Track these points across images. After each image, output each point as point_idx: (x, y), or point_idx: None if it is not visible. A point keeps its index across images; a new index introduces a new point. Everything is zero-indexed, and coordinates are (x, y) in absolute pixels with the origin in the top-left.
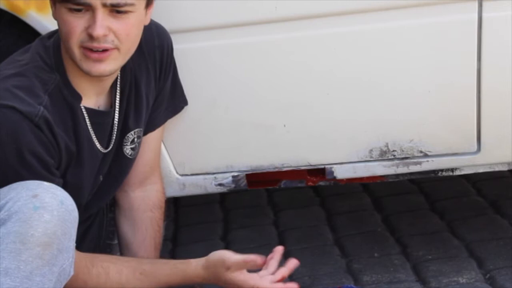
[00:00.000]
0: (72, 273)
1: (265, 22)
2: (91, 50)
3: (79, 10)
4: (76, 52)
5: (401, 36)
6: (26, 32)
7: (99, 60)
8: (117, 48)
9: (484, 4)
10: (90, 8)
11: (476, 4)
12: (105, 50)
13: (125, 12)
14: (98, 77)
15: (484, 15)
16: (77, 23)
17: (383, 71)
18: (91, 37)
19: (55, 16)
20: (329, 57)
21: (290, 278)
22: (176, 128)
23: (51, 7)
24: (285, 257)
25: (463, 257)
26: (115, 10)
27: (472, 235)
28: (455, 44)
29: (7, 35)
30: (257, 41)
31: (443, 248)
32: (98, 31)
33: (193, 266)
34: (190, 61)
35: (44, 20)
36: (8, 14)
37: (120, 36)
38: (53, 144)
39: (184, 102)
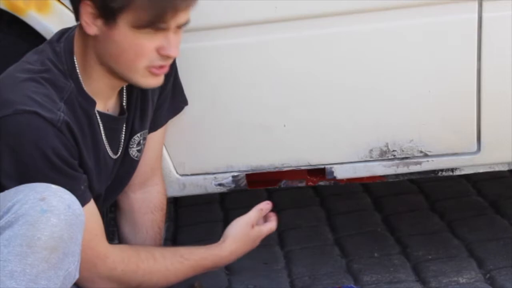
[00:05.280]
0: (77, 277)
1: (265, 22)
2: (156, 67)
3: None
4: (141, 71)
5: (401, 36)
6: (26, 32)
7: (159, 75)
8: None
9: (484, 4)
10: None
11: (476, 4)
12: (163, 66)
13: (182, 27)
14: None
15: (484, 15)
16: (150, 45)
17: (383, 71)
18: (163, 56)
19: (109, 34)
20: (329, 57)
21: (290, 278)
22: (176, 128)
23: (90, 23)
24: (285, 257)
25: (463, 257)
26: (178, 27)
27: (472, 235)
28: (455, 44)
29: (7, 35)
30: (257, 41)
31: (443, 248)
32: (175, 52)
33: (223, 247)
34: (190, 61)
35: (44, 20)
36: (8, 14)
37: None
38: (74, 147)
39: (185, 102)
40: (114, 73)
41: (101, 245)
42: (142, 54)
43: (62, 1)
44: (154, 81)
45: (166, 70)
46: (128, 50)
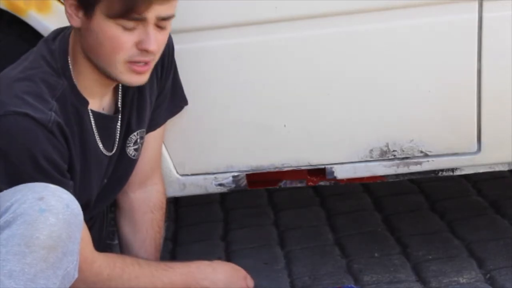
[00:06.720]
0: (76, 276)
1: (265, 22)
2: (136, 63)
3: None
4: (120, 66)
5: (401, 36)
6: (26, 32)
7: (141, 72)
8: (153, 60)
9: (484, 4)
10: (141, 23)
11: (476, 4)
12: (146, 63)
13: (166, 24)
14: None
15: (484, 15)
16: (128, 39)
17: (383, 71)
18: (142, 52)
19: (88, 26)
20: (329, 57)
21: (290, 278)
22: (176, 128)
23: (73, 15)
24: (285, 257)
25: (463, 257)
26: (160, 22)
27: (472, 235)
28: (455, 44)
29: (7, 35)
30: (257, 41)
31: (443, 248)
32: (154, 46)
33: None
34: (190, 61)
35: (44, 20)
36: (8, 14)
37: (159, 48)
38: (65, 148)
39: (184, 102)
40: (99, 69)
41: (87, 250)
42: (118, 48)
43: (63, 1)
44: (136, 79)
45: (148, 68)
46: (105, 43)
